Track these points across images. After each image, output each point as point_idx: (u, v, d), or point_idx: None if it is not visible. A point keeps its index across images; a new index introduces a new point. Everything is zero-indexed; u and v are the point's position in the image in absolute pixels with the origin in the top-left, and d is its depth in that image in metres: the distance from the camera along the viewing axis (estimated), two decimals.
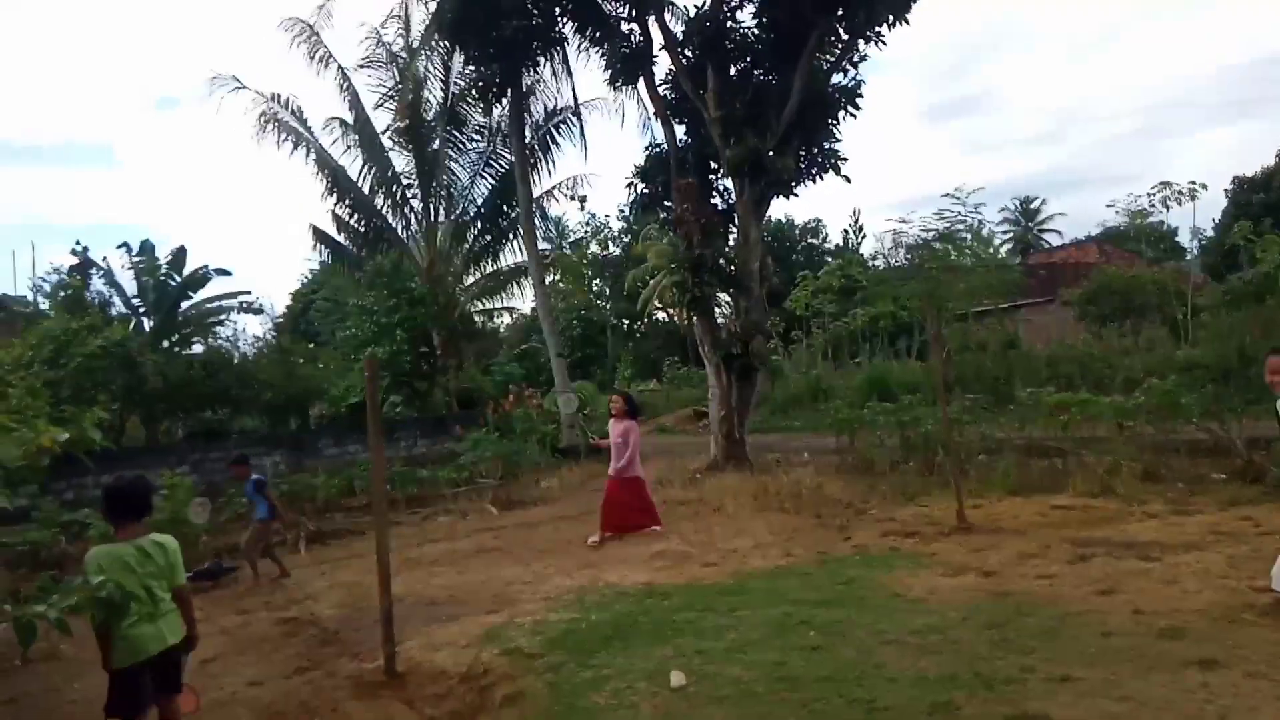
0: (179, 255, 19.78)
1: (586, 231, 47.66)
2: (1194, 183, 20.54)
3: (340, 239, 23.20)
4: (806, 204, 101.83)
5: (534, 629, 6.26)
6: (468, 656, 5.73)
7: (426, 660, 5.83)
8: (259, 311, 22.66)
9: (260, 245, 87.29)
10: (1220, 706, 3.90)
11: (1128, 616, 5.30)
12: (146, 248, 19.87)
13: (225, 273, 20.41)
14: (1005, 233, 56.60)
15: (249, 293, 22.33)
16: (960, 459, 10.39)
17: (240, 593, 8.87)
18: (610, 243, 47.38)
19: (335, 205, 22.35)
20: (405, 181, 22.67)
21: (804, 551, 8.16)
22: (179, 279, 19.68)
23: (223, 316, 21.71)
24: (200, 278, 19.97)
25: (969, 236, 20.38)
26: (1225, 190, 38.17)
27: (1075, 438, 11.41)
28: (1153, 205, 21.69)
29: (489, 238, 23.77)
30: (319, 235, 22.96)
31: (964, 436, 11.72)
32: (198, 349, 20.29)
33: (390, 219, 22.87)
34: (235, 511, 11.96)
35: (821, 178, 15.16)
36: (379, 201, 22.71)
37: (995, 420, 12.93)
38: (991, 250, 22.12)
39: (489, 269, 24.75)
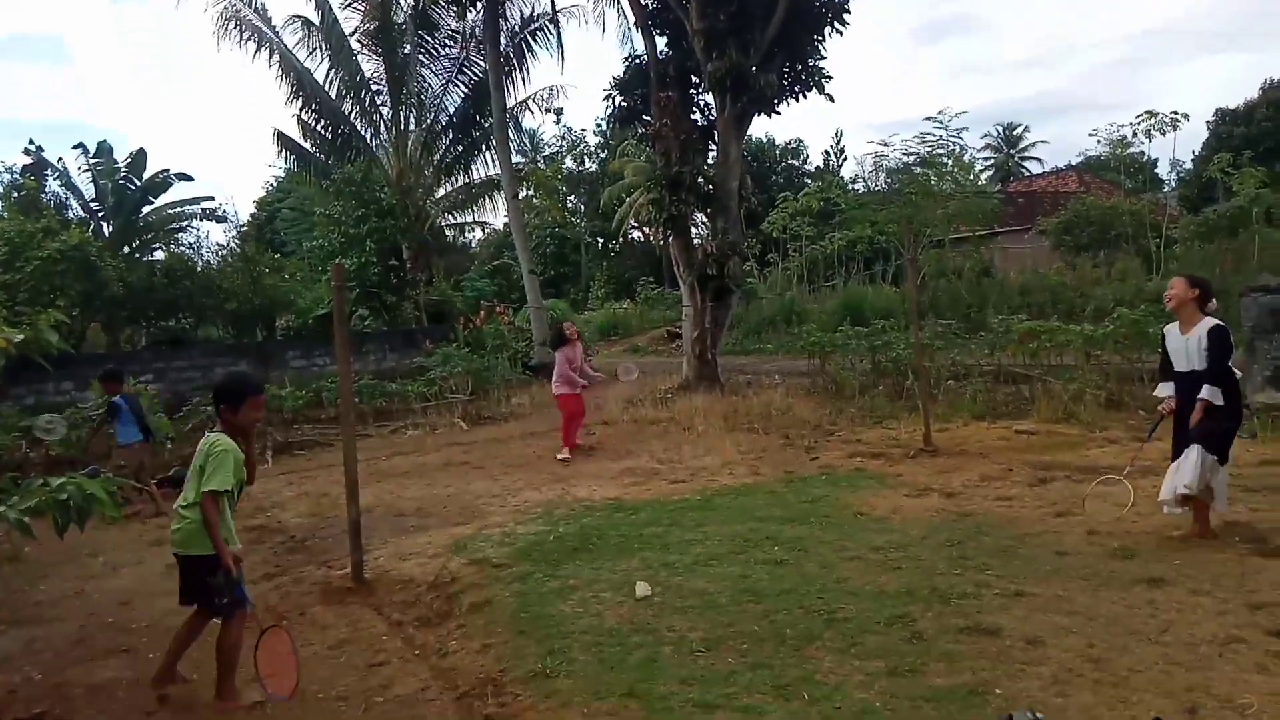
0: (138, 158, 19.14)
1: (562, 145, 46.66)
2: (1176, 112, 20.38)
3: (306, 146, 22.53)
4: (788, 123, 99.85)
5: (502, 540, 6.31)
6: (435, 566, 5.79)
7: (394, 569, 5.88)
8: (223, 219, 22.17)
9: (224, 151, 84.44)
10: (1163, 621, 4.04)
11: (1082, 537, 5.44)
12: (104, 149, 19.21)
13: (187, 178, 19.88)
14: (986, 159, 56.28)
15: (212, 199, 21.75)
16: (929, 384, 10.50)
17: None
18: (586, 158, 46.45)
19: (301, 110, 21.63)
20: (374, 87, 21.95)
21: (771, 470, 8.26)
22: (139, 183, 19.10)
23: (185, 223, 21.25)
24: (161, 182, 19.40)
25: (949, 162, 20.18)
26: (1207, 122, 38.05)
27: (1043, 365, 11.56)
28: (1135, 135, 21.55)
29: (460, 149, 23.19)
30: (284, 141, 22.26)
31: (934, 362, 11.83)
32: (159, 255, 19.88)
33: (358, 126, 22.22)
34: (200, 419, 11.88)
35: (805, 96, 14.81)
36: (347, 107, 22.01)
37: (966, 346, 13.05)
38: (972, 177, 21.93)
39: (460, 181, 24.25)
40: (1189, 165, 36.31)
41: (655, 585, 4.99)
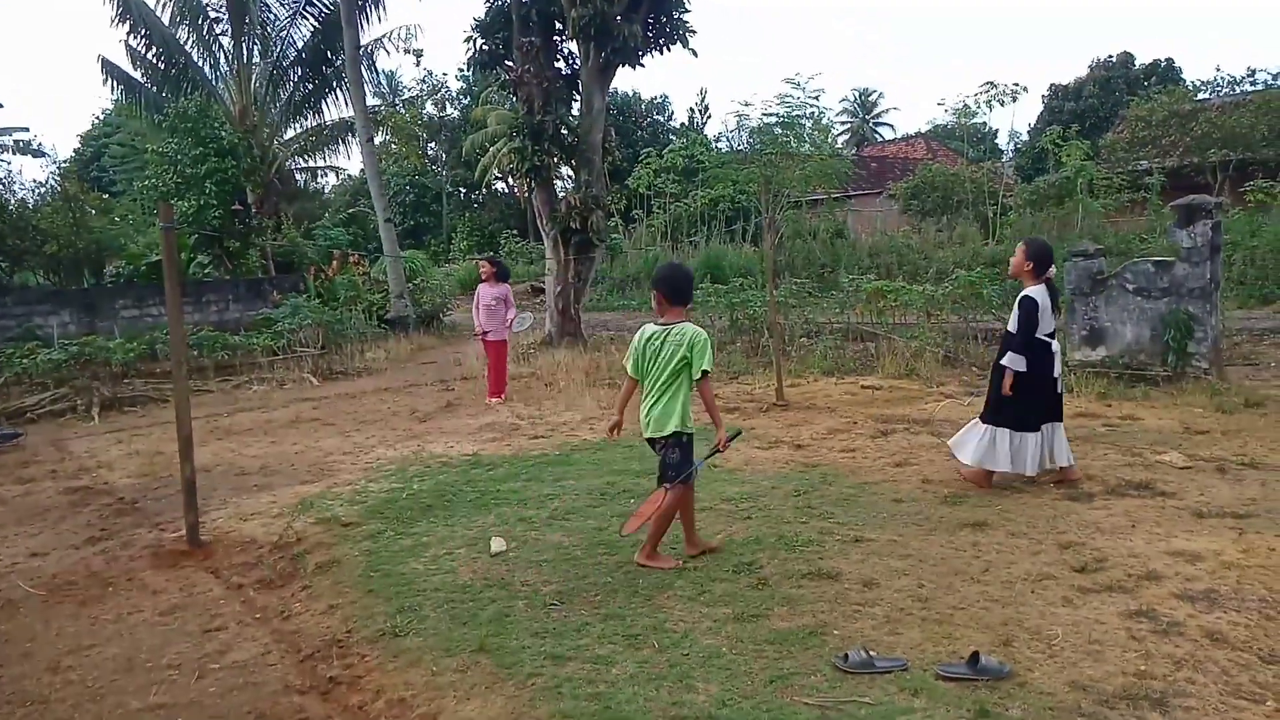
0: None
1: (422, 90, 44.81)
2: (1017, 84, 21.68)
3: (136, 76, 20.61)
4: (654, 80, 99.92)
5: (352, 498, 6.11)
6: (279, 526, 5.54)
7: (234, 530, 5.59)
8: (40, 154, 20.03)
9: (40, 78, 76.35)
10: (985, 561, 4.35)
11: (917, 485, 5.79)
12: None
13: None
14: (844, 124, 58.20)
15: (26, 130, 19.64)
16: (783, 341, 10.84)
17: (22, 460, 8.11)
18: (448, 104, 44.83)
19: (129, 35, 19.71)
20: (213, 15, 20.29)
21: (631, 425, 8.31)
22: None
23: None
24: None
25: (809, 124, 20.70)
26: (1042, 96, 40.73)
27: (888, 323, 12.15)
28: (977, 105, 22.76)
29: (310, 87, 21.84)
30: (109, 69, 20.29)
31: (788, 320, 12.22)
32: None
33: (195, 57, 20.51)
34: (14, 372, 10.88)
35: (669, 49, 14.77)
36: (182, 35, 20.26)
37: (818, 305, 13.54)
38: (829, 140, 22.58)
39: (311, 122, 22.92)
40: (1025, 136, 38.83)
41: (511, 540, 4.96)
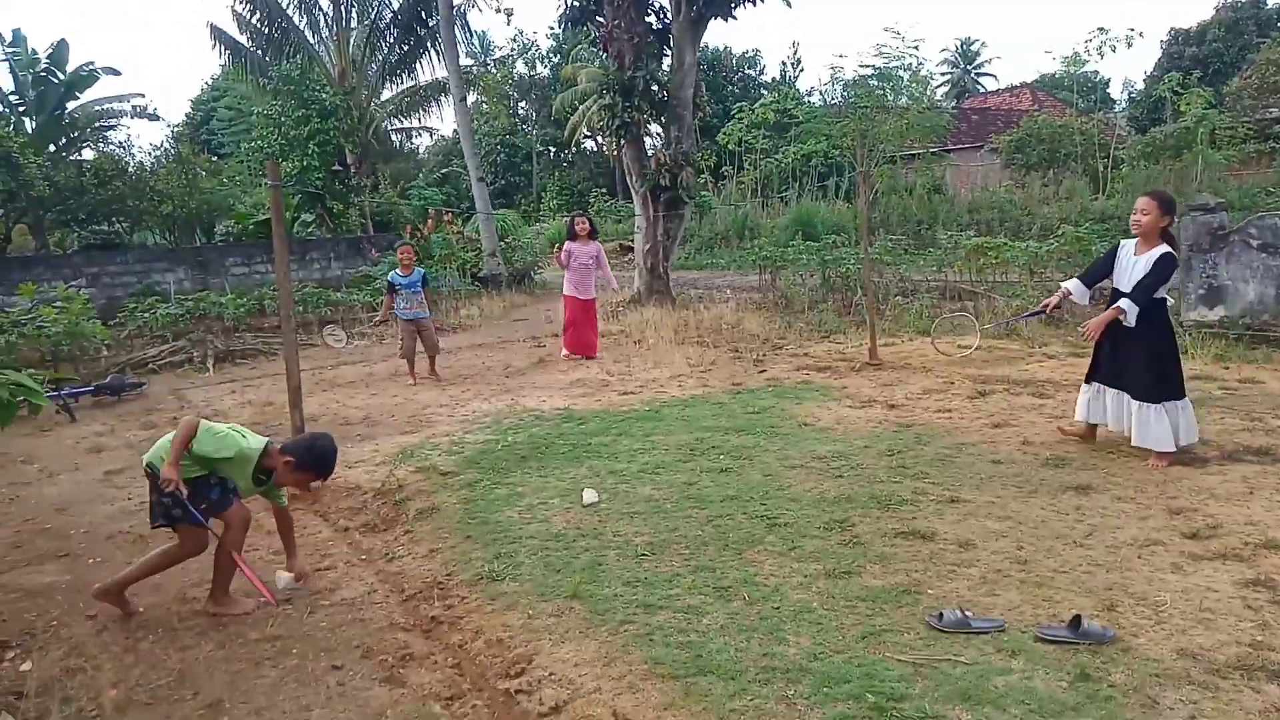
0: (59, 49, 18.03)
1: (513, 49, 45.00)
2: (1132, 29, 20.36)
3: (242, 41, 21.38)
4: (745, 34, 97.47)
5: (450, 449, 6.30)
6: (382, 473, 5.77)
7: (340, 476, 5.81)
8: (154, 118, 21.07)
9: (154, 44, 79.63)
10: (1089, 525, 4.21)
11: (1016, 447, 5.61)
12: (18, 39, 18.03)
13: (114, 72, 18.90)
14: (944, 74, 55.92)
15: (142, 95, 20.71)
16: (877, 299, 10.59)
17: (146, 408, 8.65)
18: (538, 63, 44.90)
19: (235, 2, 20.43)
20: None
21: (719, 383, 8.33)
22: (61, 76, 18.04)
23: (113, 121, 20.25)
24: (86, 76, 18.37)
25: (906, 76, 19.93)
26: (1160, 42, 38.17)
27: (988, 281, 11.73)
28: (1088, 53, 21.50)
29: (405, 48, 22.24)
30: (218, 35, 21.08)
31: (882, 277, 11.93)
32: (87, 155, 18.98)
33: (297, 20, 21.12)
34: (136, 326, 11.58)
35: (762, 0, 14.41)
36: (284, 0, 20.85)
37: (914, 263, 13.16)
38: (927, 92, 21.69)
39: (406, 84, 23.36)
40: (1141, 85, 36.51)
41: (602, 492, 5.04)
